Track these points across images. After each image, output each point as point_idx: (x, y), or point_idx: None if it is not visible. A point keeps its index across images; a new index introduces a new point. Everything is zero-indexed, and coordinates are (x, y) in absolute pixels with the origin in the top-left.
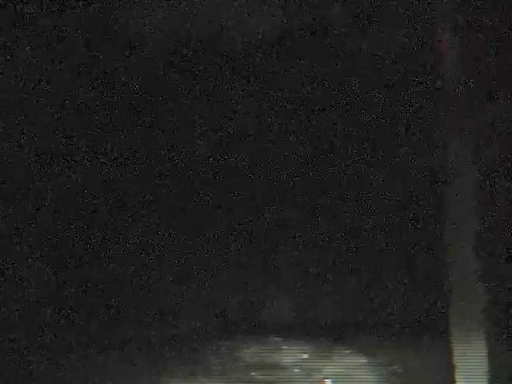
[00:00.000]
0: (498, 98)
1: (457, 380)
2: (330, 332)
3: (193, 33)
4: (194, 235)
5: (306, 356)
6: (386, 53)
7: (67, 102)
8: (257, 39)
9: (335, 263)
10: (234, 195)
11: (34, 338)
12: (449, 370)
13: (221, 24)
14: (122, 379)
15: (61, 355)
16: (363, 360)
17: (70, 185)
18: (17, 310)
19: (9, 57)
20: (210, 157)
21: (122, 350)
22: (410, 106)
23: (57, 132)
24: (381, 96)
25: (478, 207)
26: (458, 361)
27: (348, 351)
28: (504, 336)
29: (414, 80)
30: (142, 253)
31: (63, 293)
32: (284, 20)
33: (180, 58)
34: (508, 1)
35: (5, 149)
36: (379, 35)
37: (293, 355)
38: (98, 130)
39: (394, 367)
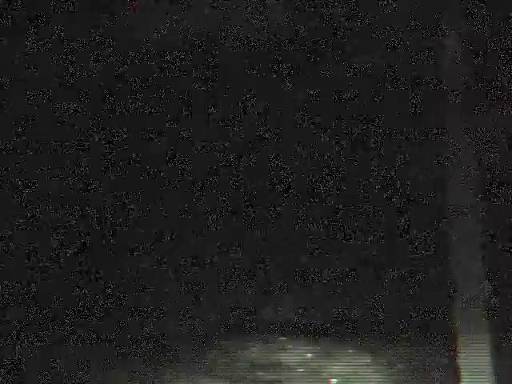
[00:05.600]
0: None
1: (461, 379)
2: (334, 331)
3: (195, 34)
4: (198, 235)
5: (310, 355)
6: (387, 55)
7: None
8: (258, 40)
9: (339, 263)
10: (236, 197)
11: (34, 338)
12: (453, 369)
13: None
14: (124, 379)
15: (61, 354)
16: (368, 359)
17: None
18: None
19: (16, 56)
20: (212, 157)
21: (124, 348)
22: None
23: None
24: (382, 99)
25: (480, 207)
26: (462, 359)
27: (352, 350)
28: (508, 334)
29: (416, 82)
30: (143, 253)
31: (62, 291)
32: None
33: (182, 58)
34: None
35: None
36: (380, 37)
37: (298, 355)
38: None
39: (399, 366)
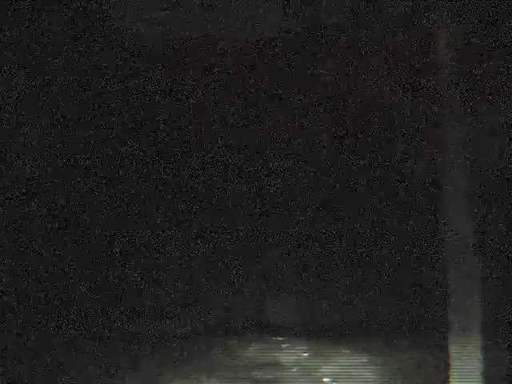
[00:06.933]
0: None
1: (451, 379)
2: (329, 332)
3: (191, 32)
4: (197, 235)
5: (306, 355)
6: (385, 54)
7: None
8: (256, 39)
9: (336, 264)
10: (236, 197)
11: (37, 335)
12: (445, 370)
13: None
14: (125, 378)
15: (62, 354)
16: (362, 359)
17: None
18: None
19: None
20: (209, 157)
21: (125, 348)
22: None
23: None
24: (380, 99)
25: (476, 206)
26: (453, 361)
27: (347, 351)
28: (500, 336)
29: (413, 83)
30: (144, 252)
31: (63, 290)
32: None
33: (176, 58)
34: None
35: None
36: (377, 35)
37: (293, 354)
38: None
39: (393, 366)
